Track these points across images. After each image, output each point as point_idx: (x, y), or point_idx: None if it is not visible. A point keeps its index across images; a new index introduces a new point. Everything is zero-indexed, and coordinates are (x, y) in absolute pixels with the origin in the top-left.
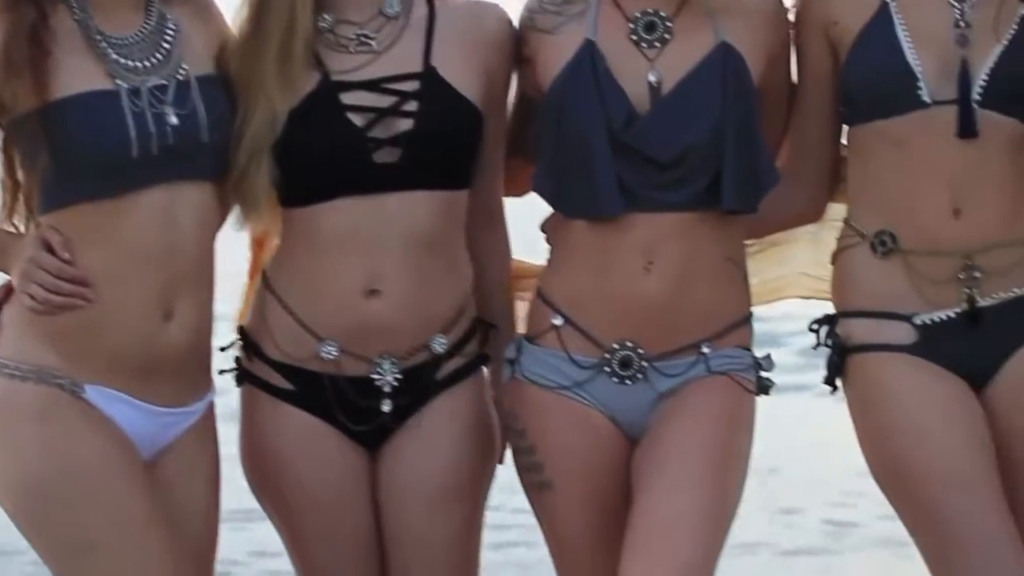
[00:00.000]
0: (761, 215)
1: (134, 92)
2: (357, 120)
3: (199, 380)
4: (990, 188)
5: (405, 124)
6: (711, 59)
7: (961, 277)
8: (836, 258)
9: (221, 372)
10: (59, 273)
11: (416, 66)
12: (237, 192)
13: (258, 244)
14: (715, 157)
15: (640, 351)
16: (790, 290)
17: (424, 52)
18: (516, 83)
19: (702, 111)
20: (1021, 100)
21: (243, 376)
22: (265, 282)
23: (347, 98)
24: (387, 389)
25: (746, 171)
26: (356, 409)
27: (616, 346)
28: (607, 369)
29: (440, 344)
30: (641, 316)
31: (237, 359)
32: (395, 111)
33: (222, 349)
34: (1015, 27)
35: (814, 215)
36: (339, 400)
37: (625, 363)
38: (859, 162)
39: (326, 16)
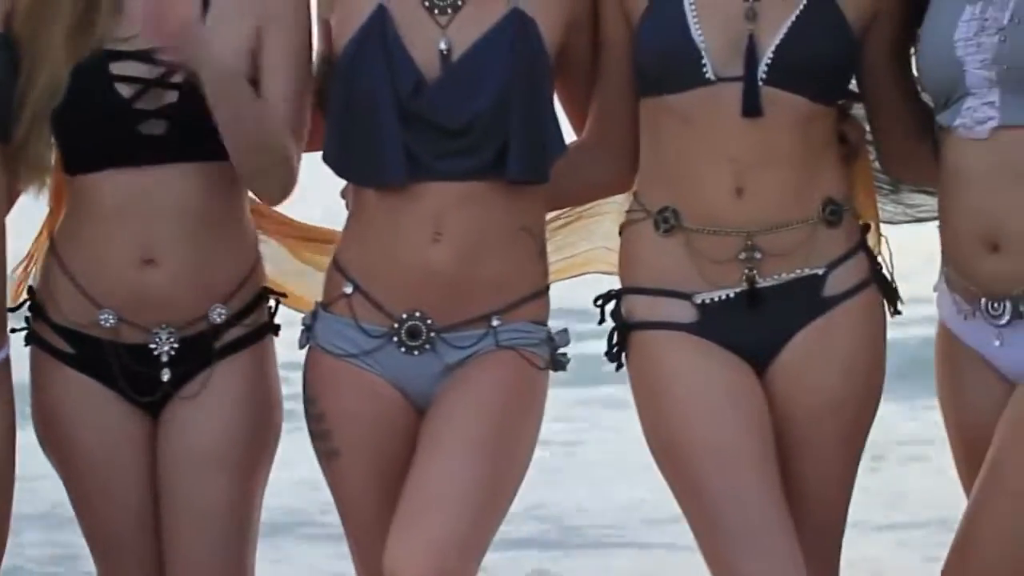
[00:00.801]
0: (565, 185)
1: None
2: (124, 91)
3: None
4: (774, 168)
5: (171, 96)
6: (502, 26)
7: (741, 257)
8: (622, 232)
9: (12, 331)
10: None
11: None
12: (19, 157)
13: (55, 206)
14: (502, 126)
15: (429, 321)
16: (596, 264)
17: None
18: (317, 42)
19: (489, 79)
20: (808, 77)
21: (30, 337)
22: (52, 247)
23: (116, 68)
24: (164, 358)
25: (533, 140)
26: (137, 377)
27: (405, 316)
28: (395, 339)
29: (219, 314)
30: (430, 286)
31: (27, 319)
32: (162, 82)
33: (11, 310)
34: (804, 2)
35: (620, 186)
36: (120, 367)
37: (413, 333)
38: (648, 136)
39: None
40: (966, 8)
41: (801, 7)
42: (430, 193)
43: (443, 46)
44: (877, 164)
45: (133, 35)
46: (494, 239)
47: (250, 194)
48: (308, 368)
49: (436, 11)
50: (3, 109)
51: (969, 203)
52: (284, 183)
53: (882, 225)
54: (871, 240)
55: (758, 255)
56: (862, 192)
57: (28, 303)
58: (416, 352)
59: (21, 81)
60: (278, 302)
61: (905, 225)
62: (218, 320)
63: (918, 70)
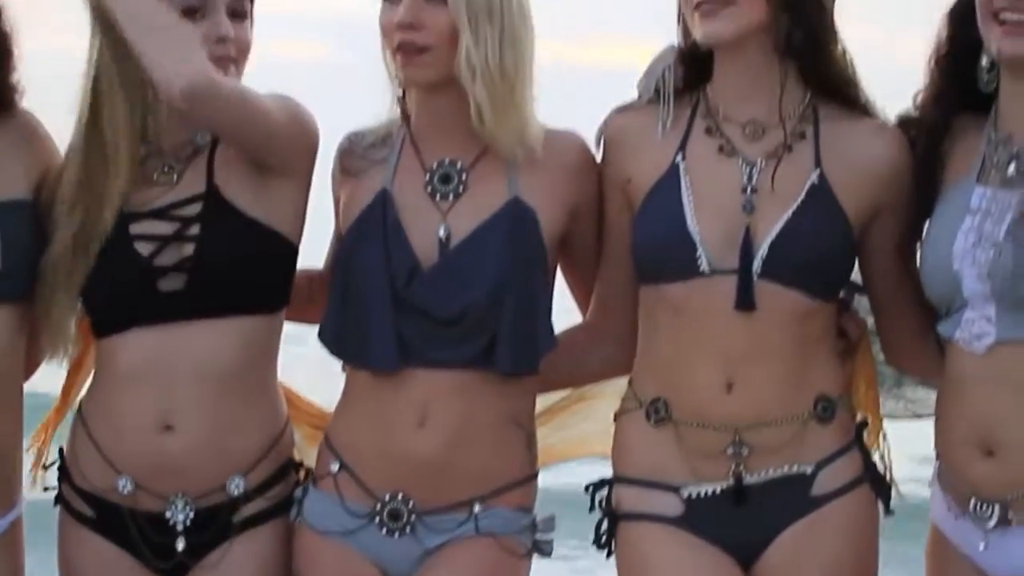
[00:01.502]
0: (567, 366)
1: None
2: (143, 249)
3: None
4: (765, 363)
5: (188, 249)
6: (500, 215)
7: (729, 452)
8: (616, 420)
9: (45, 490)
10: None
11: (200, 187)
12: (43, 318)
13: (75, 369)
14: (493, 318)
15: (411, 504)
16: (594, 446)
17: (207, 173)
18: (334, 221)
19: (483, 270)
20: (804, 272)
21: (58, 498)
22: (79, 409)
23: (136, 228)
24: (179, 528)
25: (523, 334)
26: (155, 544)
27: (388, 497)
28: (377, 520)
29: (237, 486)
30: (413, 470)
31: (57, 479)
32: (179, 237)
33: (45, 467)
34: (802, 196)
35: (621, 370)
36: (139, 534)
37: (394, 515)
38: (646, 324)
39: (143, 145)
40: (966, 218)
41: (799, 201)
42: (419, 380)
43: (442, 233)
44: (881, 356)
45: (149, 196)
46: (480, 428)
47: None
48: (295, 543)
49: (438, 197)
50: (25, 272)
51: (966, 409)
52: (183, 62)
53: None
54: (869, 436)
55: (745, 451)
56: (863, 385)
57: (58, 465)
58: (397, 534)
59: (51, 246)
60: (307, 475)
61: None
62: (235, 492)
63: (921, 276)
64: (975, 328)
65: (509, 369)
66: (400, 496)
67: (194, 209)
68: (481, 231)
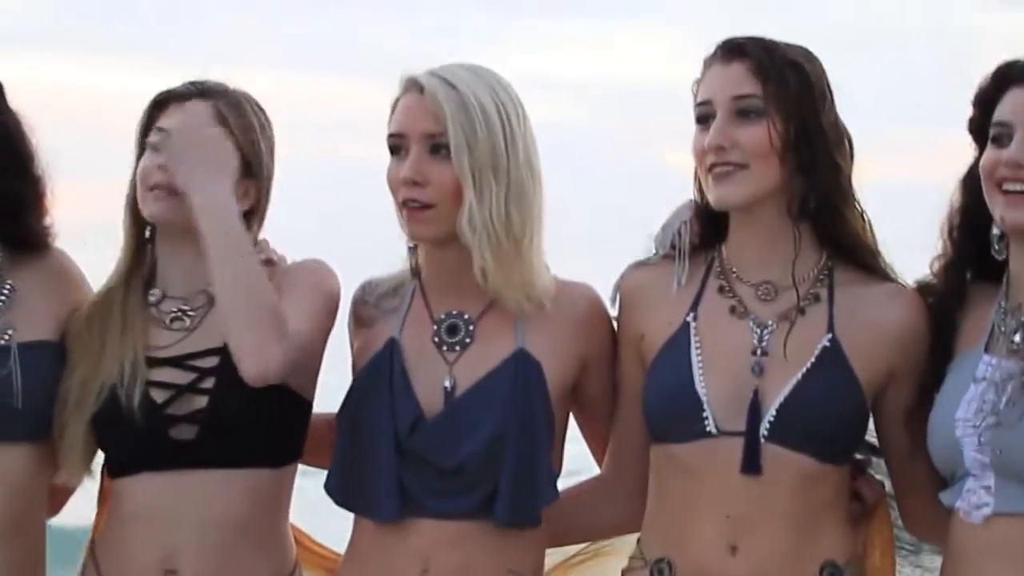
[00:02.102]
0: (581, 520)
1: None
2: (158, 396)
3: None
4: (771, 527)
5: (201, 401)
6: (504, 367)
7: None
8: None
9: None
10: None
11: (219, 341)
12: (58, 456)
13: (102, 507)
14: (493, 469)
15: None
16: None
17: None
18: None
19: (485, 422)
20: (812, 436)
21: None
22: (91, 544)
23: (154, 374)
24: None
25: (523, 486)
26: None
27: None
28: None
29: None
30: None
31: None
32: (193, 388)
33: None
34: (812, 359)
35: (631, 526)
36: None
37: None
38: (654, 482)
39: (154, 291)
40: (971, 387)
41: (809, 365)
42: (420, 530)
43: (447, 384)
44: (900, 521)
45: (170, 343)
46: None
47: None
48: None
49: (444, 347)
50: (45, 412)
51: None
52: (265, 343)
53: None
54: None
55: None
56: (879, 551)
57: None
58: None
59: (67, 381)
60: None
61: None
62: None
63: (927, 444)
64: (974, 498)
65: (507, 520)
66: None
67: (211, 362)
68: (485, 382)
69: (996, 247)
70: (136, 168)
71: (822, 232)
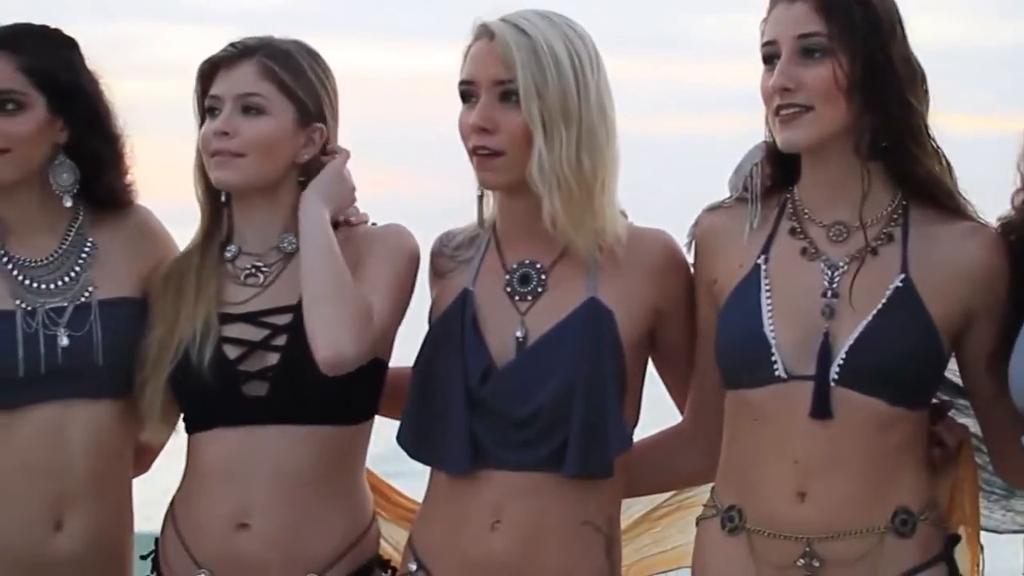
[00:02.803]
0: (663, 470)
1: (30, 313)
2: (231, 352)
3: None
4: (840, 472)
5: (272, 358)
6: (576, 316)
7: (799, 564)
8: (697, 526)
9: None
10: None
11: (292, 299)
12: (139, 412)
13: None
14: (564, 419)
15: None
16: (689, 559)
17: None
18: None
19: (555, 371)
20: (884, 380)
21: None
22: (171, 503)
23: (228, 330)
24: None
25: (593, 436)
26: None
27: None
28: None
29: None
30: (487, 573)
31: (151, 570)
32: (265, 345)
33: (142, 558)
34: (884, 300)
35: (713, 474)
36: None
37: None
38: (728, 429)
39: (231, 247)
40: None
41: (880, 306)
42: (493, 481)
43: (519, 333)
44: (991, 467)
45: (245, 299)
46: (554, 532)
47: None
48: None
49: (517, 297)
50: (127, 369)
51: None
52: (342, 339)
53: (983, 535)
54: (966, 551)
55: (816, 563)
56: (966, 497)
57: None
58: None
59: (146, 340)
60: (392, 572)
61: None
62: None
63: (1010, 387)
64: None
65: (578, 472)
66: None
67: (284, 319)
68: (556, 331)
69: None
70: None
71: (894, 172)
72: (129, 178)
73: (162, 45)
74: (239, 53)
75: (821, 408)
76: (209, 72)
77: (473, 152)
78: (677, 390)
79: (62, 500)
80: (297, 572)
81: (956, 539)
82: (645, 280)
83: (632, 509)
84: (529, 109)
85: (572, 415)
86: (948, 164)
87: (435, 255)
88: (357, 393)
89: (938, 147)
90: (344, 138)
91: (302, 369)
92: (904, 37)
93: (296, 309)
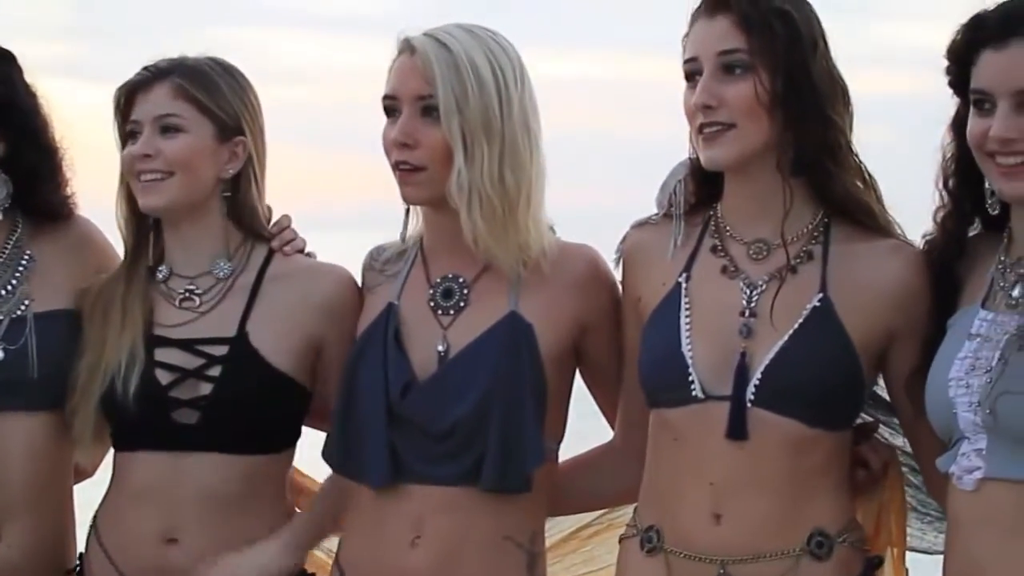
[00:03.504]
0: (594, 488)
1: None
2: (163, 378)
3: None
4: (756, 494)
5: (205, 388)
6: (495, 329)
7: None
8: (620, 545)
9: None
10: None
11: (230, 331)
12: (69, 427)
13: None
14: (481, 433)
15: None
16: None
17: (241, 317)
18: None
19: (473, 385)
20: (799, 400)
21: None
22: (94, 517)
23: (161, 354)
24: None
25: (509, 450)
26: None
27: None
28: None
29: None
30: None
31: None
32: (199, 374)
33: (67, 573)
34: (801, 320)
35: (639, 494)
36: None
37: None
38: (650, 449)
39: (162, 267)
40: (964, 344)
41: (796, 325)
42: (412, 496)
43: (440, 348)
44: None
45: (181, 322)
46: (474, 547)
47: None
48: None
49: (440, 311)
50: (61, 382)
51: (957, 551)
52: None
53: (908, 556)
54: (890, 573)
55: None
56: (892, 519)
57: (77, 569)
58: None
59: (76, 367)
60: None
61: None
62: None
63: (927, 408)
64: (966, 462)
65: (494, 486)
66: None
67: (220, 350)
68: (475, 345)
69: (989, 202)
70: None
71: (817, 188)
72: (68, 190)
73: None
74: (153, 76)
75: (737, 429)
76: (127, 98)
77: (395, 167)
78: (607, 406)
79: (1, 511)
80: None
81: (878, 561)
82: (569, 294)
83: (561, 526)
84: (449, 124)
85: (489, 429)
86: (871, 180)
87: (365, 269)
88: (284, 422)
89: (860, 163)
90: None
91: (233, 401)
92: (827, 51)
93: (232, 341)
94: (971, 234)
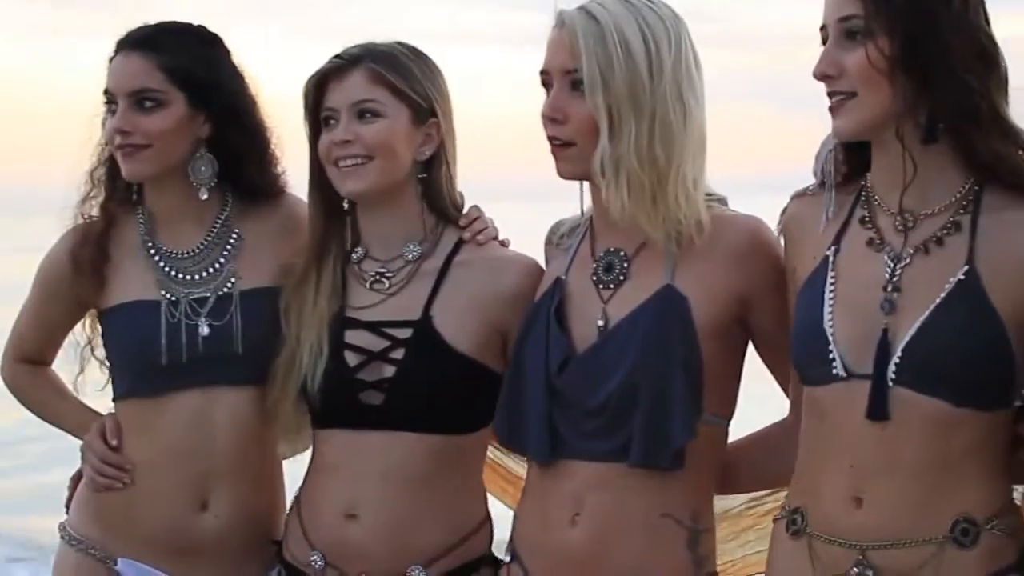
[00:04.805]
0: (772, 465)
1: (174, 303)
2: (351, 359)
3: (253, 561)
4: (898, 477)
5: (389, 370)
6: (649, 303)
7: (853, 573)
8: (774, 525)
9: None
10: (103, 458)
11: (415, 314)
12: (271, 408)
13: None
14: (630, 409)
15: None
16: None
17: (426, 302)
18: None
19: (626, 359)
20: (943, 379)
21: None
22: (298, 491)
23: (350, 336)
24: None
25: (656, 426)
26: None
27: None
28: None
29: (419, 574)
30: (568, 567)
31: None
32: (384, 356)
33: (274, 542)
34: (944, 294)
35: None
36: None
37: None
38: (803, 428)
39: (358, 249)
40: None
41: (939, 300)
42: (572, 472)
43: (600, 322)
44: None
45: (370, 304)
46: (631, 524)
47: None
48: None
49: (601, 286)
50: (266, 358)
51: None
52: None
53: None
54: None
55: (870, 572)
56: None
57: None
58: None
59: (275, 361)
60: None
61: None
62: None
63: None
64: None
65: (640, 461)
66: None
67: (404, 333)
68: (629, 319)
69: None
70: (315, 148)
71: (961, 155)
72: (277, 170)
73: None
74: (347, 63)
75: (877, 409)
76: (319, 85)
77: (550, 142)
78: (782, 381)
79: (207, 481)
80: (401, 562)
81: None
82: (728, 266)
83: (735, 502)
84: (594, 98)
85: (638, 403)
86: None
87: (546, 244)
88: (470, 405)
89: (1011, 125)
90: None
91: (416, 383)
92: (965, 11)
93: (416, 324)
94: None
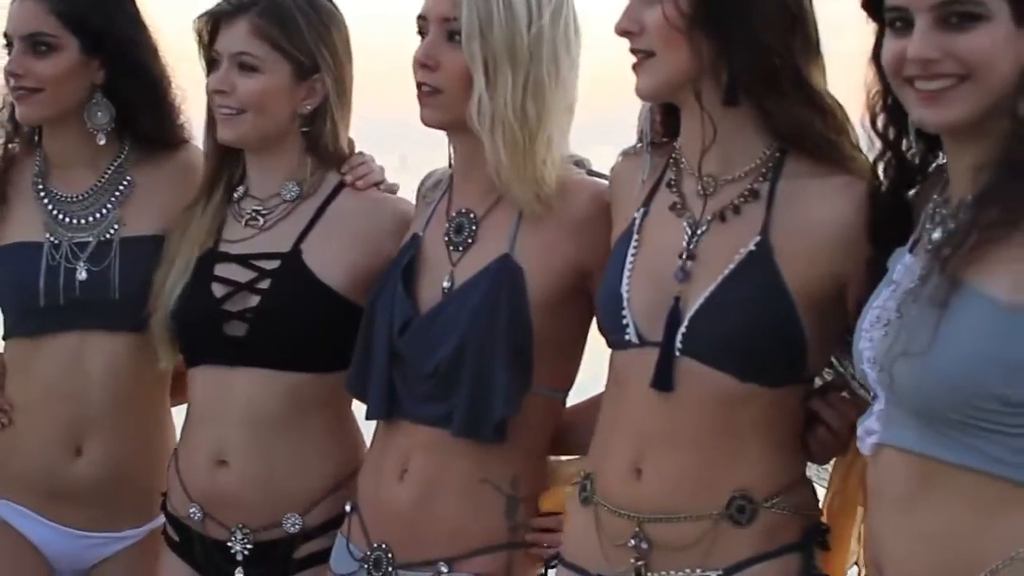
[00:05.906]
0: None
1: (55, 246)
2: (218, 291)
3: (130, 509)
4: (676, 449)
5: (254, 300)
6: (486, 271)
7: (631, 544)
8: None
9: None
10: None
11: (285, 247)
12: (150, 338)
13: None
14: (456, 376)
15: (390, 556)
16: None
17: (298, 236)
18: None
19: (458, 326)
20: (727, 351)
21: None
22: (178, 441)
23: (219, 269)
24: (239, 557)
25: (479, 396)
26: (220, 571)
27: (375, 545)
28: (366, 567)
29: (293, 524)
30: (394, 521)
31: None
32: (250, 287)
33: (162, 494)
34: (733, 265)
35: None
36: (205, 560)
37: (377, 564)
38: (604, 394)
39: (239, 188)
40: (883, 292)
41: (728, 271)
42: (405, 431)
43: (446, 284)
44: None
45: (242, 238)
46: (451, 487)
47: None
48: None
49: (452, 247)
50: (142, 303)
51: (868, 521)
52: None
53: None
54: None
55: (644, 545)
56: (856, 481)
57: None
58: None
59: (155, 276)
60: None
61: None
62: (292, 530)
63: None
64: (868, 423)
65: (461, 433)
66: (383, 545)
67: (272, 264)
68: (467, 286)
69: (912, 141)
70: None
71: (763, 119)
72: (176, 119)
73: None
74: (234, 9)
75: (662, 379)
76: (211, 25)
77: (417, 87)
78: None
79: (81, 426)
80: (275, 511)
81: (823, 528)
82: (567, 234)
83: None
84: (470, 48)
85: (463, 373)
86: (832, 109)
87: (417, 194)
88: (332, 341)
89: (816, 91)
90: None
91: (280, 313)
92: None
93: (285, 256)
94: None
